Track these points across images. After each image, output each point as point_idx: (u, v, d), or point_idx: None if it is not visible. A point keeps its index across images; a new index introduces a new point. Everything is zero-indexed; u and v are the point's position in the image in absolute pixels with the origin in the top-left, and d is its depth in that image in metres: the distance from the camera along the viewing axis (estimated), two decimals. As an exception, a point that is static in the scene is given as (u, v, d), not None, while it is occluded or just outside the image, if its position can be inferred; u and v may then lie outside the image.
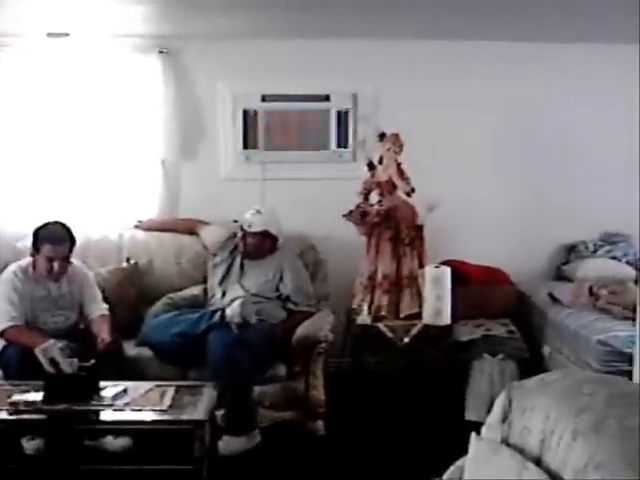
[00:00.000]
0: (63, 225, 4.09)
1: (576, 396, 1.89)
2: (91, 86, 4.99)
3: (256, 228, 4.54)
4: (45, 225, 4.07)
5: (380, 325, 4.44)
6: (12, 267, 4.10)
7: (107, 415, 3.36)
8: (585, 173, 5.27)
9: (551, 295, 4.88)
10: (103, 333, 3.98)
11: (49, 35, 4.80)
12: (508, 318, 4.87)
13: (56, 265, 4.02)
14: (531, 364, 4.51)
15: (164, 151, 5.12)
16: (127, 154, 5.11)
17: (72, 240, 4.08)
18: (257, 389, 4.08)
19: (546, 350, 4.74)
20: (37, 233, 4.04)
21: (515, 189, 5.32)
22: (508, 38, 4.97)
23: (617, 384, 2.00)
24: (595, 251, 5.24)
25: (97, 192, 5.12)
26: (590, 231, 5.34)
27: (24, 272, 4.06)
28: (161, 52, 4.98)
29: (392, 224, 4.51)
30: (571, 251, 5.36)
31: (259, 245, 4.58)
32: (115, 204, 5.13)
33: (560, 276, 5.33)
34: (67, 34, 4.80)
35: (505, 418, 2.09)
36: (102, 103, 5.02)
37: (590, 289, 4.73)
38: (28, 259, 4.11)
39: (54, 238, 4.01)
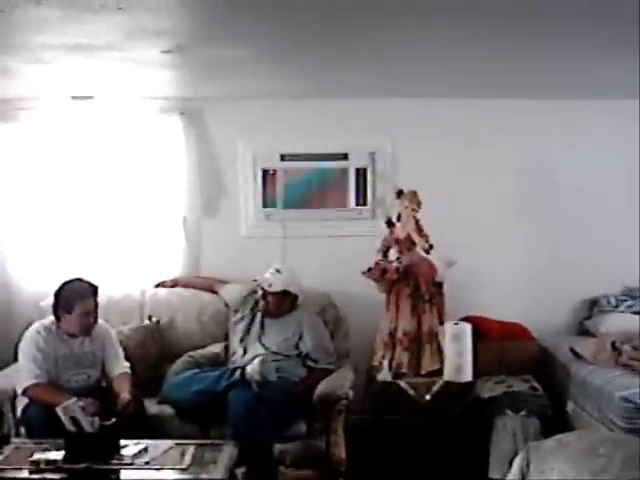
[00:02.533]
0: (81, 279, 4.17)
1: (592, 458, 1.88)
2: (113, 147, 5.10)
3: (276, 288, 4.56)
4: (66, 285, 4.13)
5: (401, 382, 4.42)
6: (35, 325, 4.15)
7: (127, 474, 3.36)
8: (603, 227, 5.27)
9: (573, 350, 4.83)
10: (124, 392, 4.00)
11: (74, 98, 4.94)
12: (530, 374, 4.81)
13: (92, 318, 4.10)
14: (555, 421, 4.45)
15: (185, 209, 5.19)
16: (149, 212, 5.18)
17: (95, 289, 4.15)
18: (278, 447, 4.06)
19: (570, 406, 4.67)
20: (61, 295, 4.10)
21: (534, 245, 5.32)
22: (525, 96, 5.03)
23: (633, 444, 1.99)
24: (617, 306, 5.20)
25: (119, 250, 5.18)
26: (612, 285, 5.31)
27: (48, 330, 4.11)
28: (182, 114, 5.10)
29: (411, 281, 4.51)
30: (593, 306, 5.32)
31: (279, 304, 4.61)
32: (137, 262, 5.19)
33: (583, 331, 5.28)
34: (91, 97, 4.95)
35: (524, 479, 2.09)
36: (124, 163, 5.12)
37: (613, 344, 4.67)
38: (51, 318, 4.16)
39: (84, 293, 4.09)
